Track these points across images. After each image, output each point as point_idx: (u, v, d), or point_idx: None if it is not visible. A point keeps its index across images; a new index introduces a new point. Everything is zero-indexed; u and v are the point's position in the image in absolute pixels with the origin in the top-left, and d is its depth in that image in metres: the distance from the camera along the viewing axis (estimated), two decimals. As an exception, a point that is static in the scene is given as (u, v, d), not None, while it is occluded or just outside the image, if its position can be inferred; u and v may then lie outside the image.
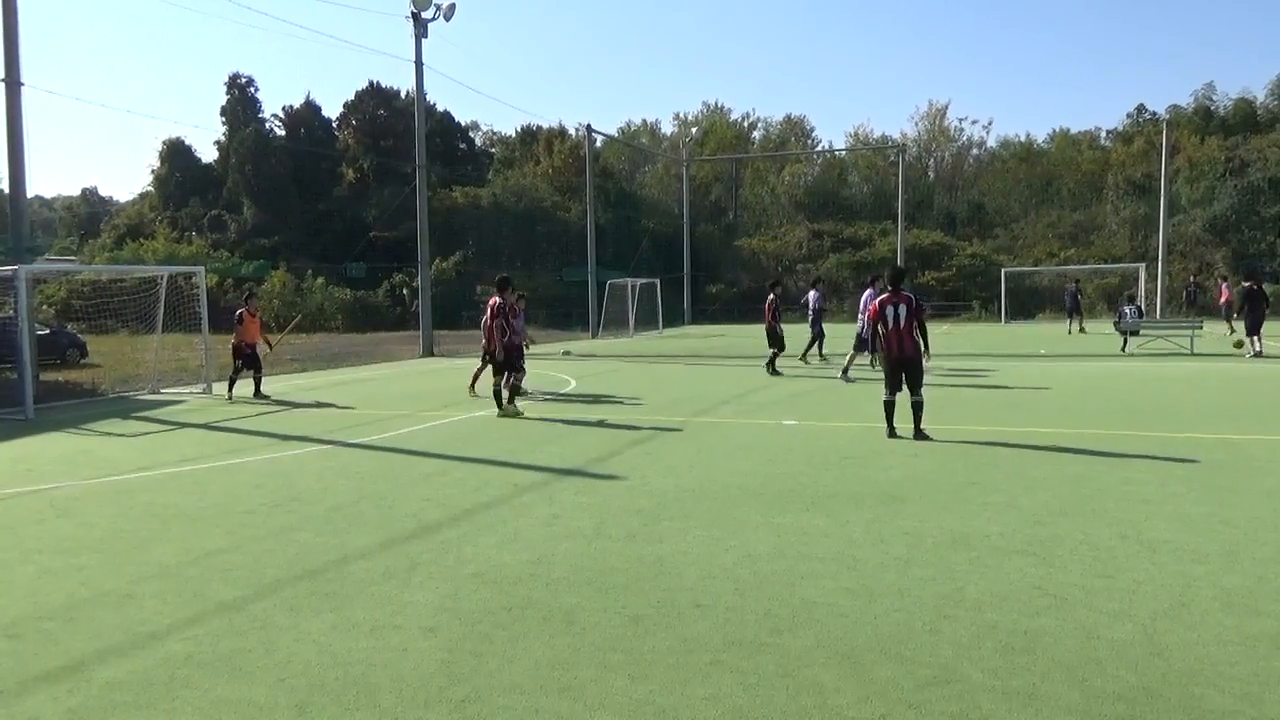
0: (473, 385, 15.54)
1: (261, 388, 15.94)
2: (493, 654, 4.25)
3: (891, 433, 10.17)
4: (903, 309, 10.06)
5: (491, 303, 13.31)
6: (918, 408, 10.12)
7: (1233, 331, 20.57)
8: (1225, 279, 21.41)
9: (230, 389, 15.80)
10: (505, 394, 12.87)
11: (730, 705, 3.67)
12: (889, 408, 10.23)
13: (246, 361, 15.76)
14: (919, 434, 10.04)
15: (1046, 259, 49.88)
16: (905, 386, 10.17)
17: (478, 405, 14.21)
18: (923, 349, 10.10)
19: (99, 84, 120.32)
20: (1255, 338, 20.06)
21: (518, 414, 12.65)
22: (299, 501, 7.63)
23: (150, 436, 11.96)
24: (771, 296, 18.68)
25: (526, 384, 14.58)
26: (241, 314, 15.94)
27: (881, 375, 10.65)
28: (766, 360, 18.17)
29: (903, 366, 10.15)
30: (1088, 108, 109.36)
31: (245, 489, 8.20)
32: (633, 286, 39.61)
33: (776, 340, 18.18)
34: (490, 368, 13.80)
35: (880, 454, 9.23)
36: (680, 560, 5.67)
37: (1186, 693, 3.69)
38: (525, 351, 14.30)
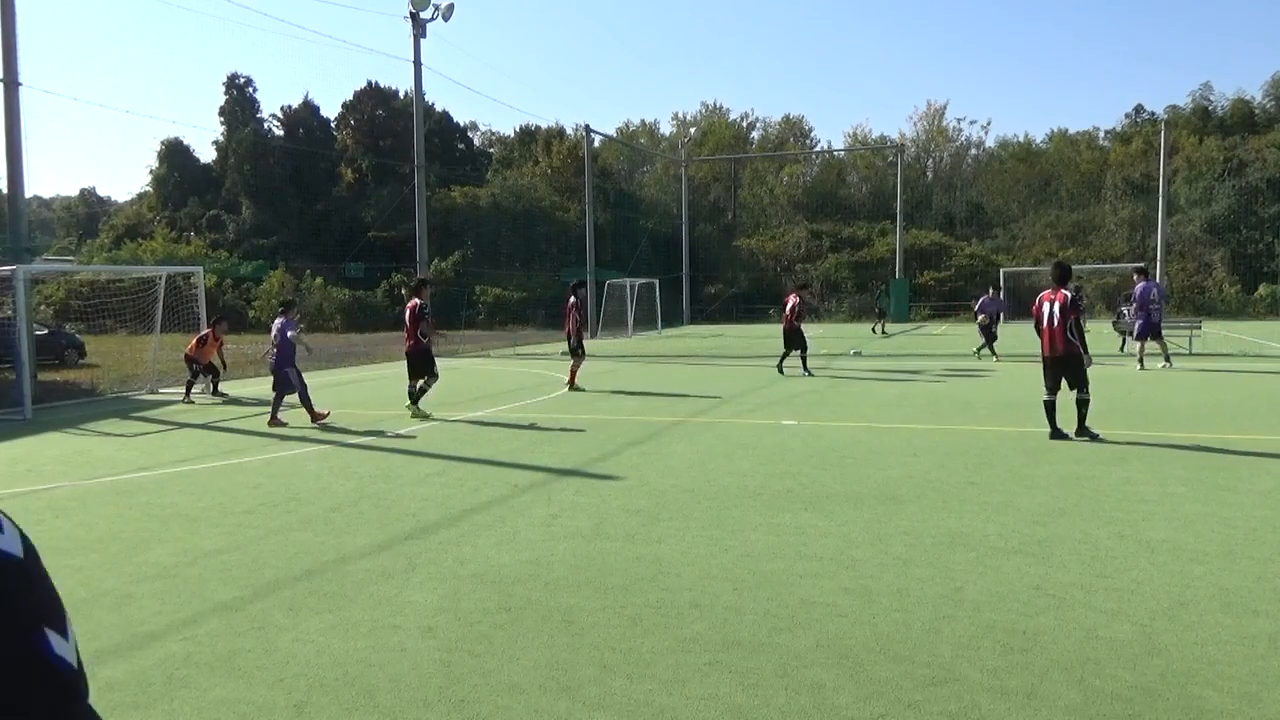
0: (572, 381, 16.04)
1: (191, 392, 15.86)
2: (491, 654, 4.25)
3: (1055, 433, 9.81)
4: (1055, 306, 9.77)
5: (413, 305, 12.78)
6: (1082, 405, 9.77)
7: None
8: None
9: (188, 392, 15.79)
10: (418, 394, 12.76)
11: (729, 705, 3.67)
12: (1049, 408, 9.94)
13: (204, 369, 15.95)
14: (1082, 430, 9.73)
15: (1045, 259, 49.81)
16: (1066, 385, 9.83)
17: (475, 406, 14.21)
18: (1083, 349, 9.78)
19: (97, 84, 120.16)
20: None
21: (426, 416, 12.54)
22: (298, 502, 7.62)
23: (149, 437, 11.95)
24: (796, 299, 18.40)
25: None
26: (207, 336, 15.97)
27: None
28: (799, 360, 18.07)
29: (1056, 365, 9.86)
30: (1086, 108, 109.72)
31: (244, 489, 8.19)
32: (631, 287, 39.60)
33: (798, 341, 17.97)
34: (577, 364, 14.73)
35: (879, 454, 9.23)
36: (679, 560, 5.66)
37: (1185, 692, 3.69)
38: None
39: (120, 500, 7.86)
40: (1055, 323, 9.75)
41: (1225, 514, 6.52)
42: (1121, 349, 22.99)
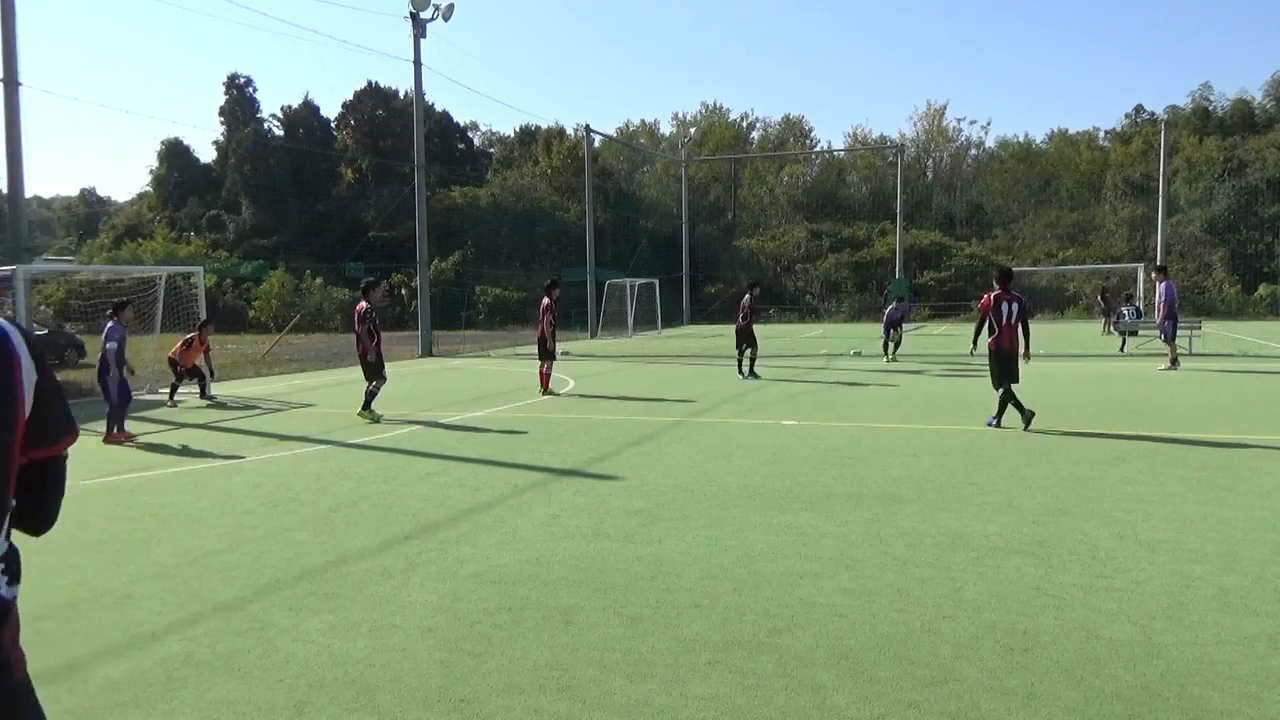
0: (546, 386, 15.47)
1: (175, 395, 15.89)
2: (491, 654, 4.25)
3: (1028, 417, 10.51)
4: (1015, 306, 10.63)
5: (359, 309, 12.61)
6: (1011, 394, 10.71)
7: None
8: None
9: (172, 395, 15.83)
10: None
11: (729, 705, 3.66)
12: (1012, 395, 10.69)
13: (188, 372, 15.89)
14: (1028, 419, 10.53)
15: (1045, 259, 49.99)
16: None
17: (475, 405, 14.21)
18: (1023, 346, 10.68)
19: (97, 84, 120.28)
20: None
21: (377, 419, 12.37)
22: (297, 502, 7.62)
23: (148, 437, 11.94)
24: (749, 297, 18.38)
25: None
26: (193, 339, 15.94)
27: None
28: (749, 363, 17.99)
29: (1012, 359, 10.66)
30: (1086, 108, 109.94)
31: (243, 489, 8.19)
32: (631, 287, 39.60)
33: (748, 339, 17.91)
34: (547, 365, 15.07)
35: (879, 454, 9.23)
36: (679, 560, 5.66)
37: (1185, 692, 3.69)
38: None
39: (120, 500, 7.86)
40: (1013, 320, 10.63)
41: (1225, 514, 6.51)
42: (1121, 349, 22.99)
